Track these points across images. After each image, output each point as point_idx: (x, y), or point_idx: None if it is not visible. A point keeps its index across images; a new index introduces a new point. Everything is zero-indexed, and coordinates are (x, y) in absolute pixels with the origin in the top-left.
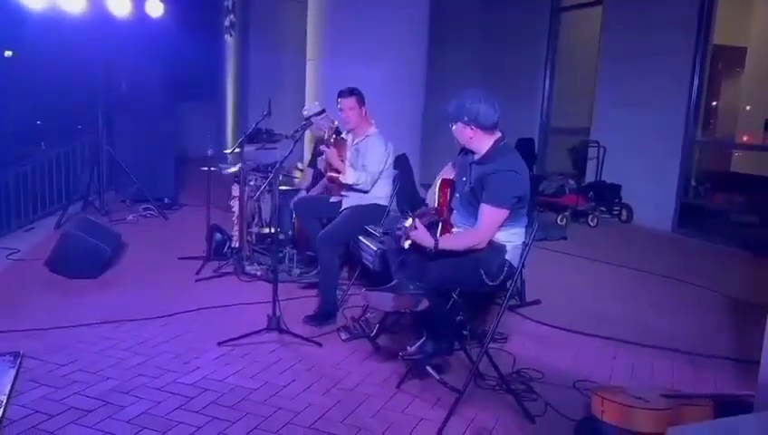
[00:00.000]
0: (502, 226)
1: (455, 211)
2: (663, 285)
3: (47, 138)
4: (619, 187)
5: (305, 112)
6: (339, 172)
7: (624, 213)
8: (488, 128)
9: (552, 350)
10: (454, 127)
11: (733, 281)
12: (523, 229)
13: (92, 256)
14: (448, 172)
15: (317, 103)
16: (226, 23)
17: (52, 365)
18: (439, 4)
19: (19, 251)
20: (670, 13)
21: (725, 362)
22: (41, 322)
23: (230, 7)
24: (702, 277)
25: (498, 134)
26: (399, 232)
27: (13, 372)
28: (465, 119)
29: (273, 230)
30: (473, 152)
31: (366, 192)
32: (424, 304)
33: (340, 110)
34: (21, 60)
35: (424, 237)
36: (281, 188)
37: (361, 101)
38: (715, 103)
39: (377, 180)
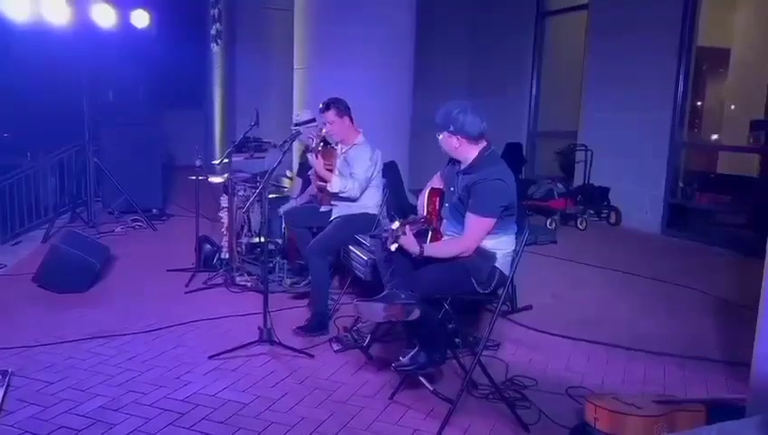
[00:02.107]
0: (490, 233)
1: (444, 220)
2: (653, 288)
3: (33, 149)
4: (608, 189)
5: (296, 118)
6: (326, 181)
7: (613, 216)
8: (474, 137)
9: (545, 356)
10: (440, 136)
11: (722, 282)
12: (513, 237)
13: (80, 271)
14: (436, 182)
15: (308, 111)
16: (212, 31)
17: (41, 383)
18: (425, 10)
19: (6, 266)
20: (654, 16)
21: (717, 365)
22: (29, 338)
23: (216, 16)
24: (691, 279)
25: (484, 143)
26: (385, 234)
27: (1, 391)
28: (452, 128)
29: (262, 240)
30: (459, 162)
31: (354, 200)
32: (415, 313)
33: (323, 123)
34: (5, 71)
35: (410, 243)
36: (270, 196)
37: (342, 113)
38: (700, 103)
39: (365, 188)
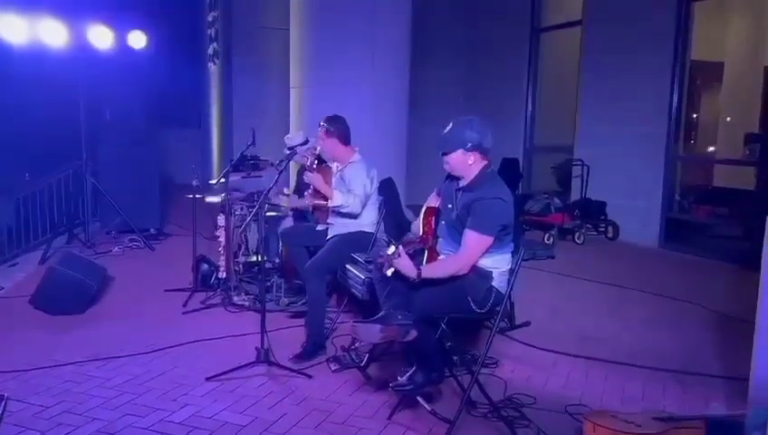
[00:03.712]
0: (487, 252)
1: (440, 239)
2: (652, 303)
3: (31, 170)
4: (604, 204)
5: (288, 141)
6: (325, 199)
7: (610, 230)
8: (487, 153)
9: (543, 373)
10: (452, 155)
11: (720, 296)
12: (509, 255)
13: (78, 292)
14: (433, 200)
15: (301, 133)
16: (210, 51)
17: (37, 407)
18: (421, 27)
19: (3, 288)
20: (648, 31)
21: (716, 380)
22: (25, 362)
23: (213, 36)
24: (689, 293)
25: (485, 162)
26: (381, 259)
27: None
28: (469, 145)
29: (259, 258)
30: (458, 179)
31: (356, 216)
32: (412, 334)
33: (321, 140)
34: (4, 93)
35: (407, 267)
36: (267, 214)
37: (330, 133)
38: (696, 116)
39: (366, 204)
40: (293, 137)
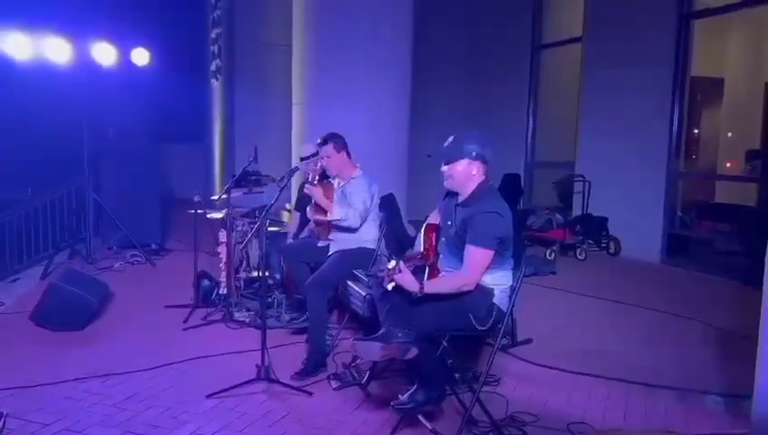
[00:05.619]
0: (488, 269)
1: (441, 256)
2: (654, 319)
3: (33, 185)
4: (606, 219)
5: (302, 153)
6: (325, 213)
7: (612, 245)
8: (487, 165)
9: (545, 390)
10: (455, 164)
11: (722, 312)
12: (510, 272)
13: (78, 309)
14: (434, 218)
15: (312, 145)
16: (212, 67)
17: (36, 425)
18: (422, 45)
19: (3, 304)
20: (648, 47)
21: (718, 397)
22: (25, 379)
23: (216, 52)
24: (691, 309)
25: (483, 177)
26: (382, 274)
27: None
28: (473, 154)
29: (261, 274)
30: (457, 195)
31: (354, 230)
32: (412, 352)
33: (321, 157)
34: (6, 108)
35: (409, 281)
36: (269, 229)
37: (339, 147)
38: (696, 131)
39: (365, 219)
40: (306, 149)
